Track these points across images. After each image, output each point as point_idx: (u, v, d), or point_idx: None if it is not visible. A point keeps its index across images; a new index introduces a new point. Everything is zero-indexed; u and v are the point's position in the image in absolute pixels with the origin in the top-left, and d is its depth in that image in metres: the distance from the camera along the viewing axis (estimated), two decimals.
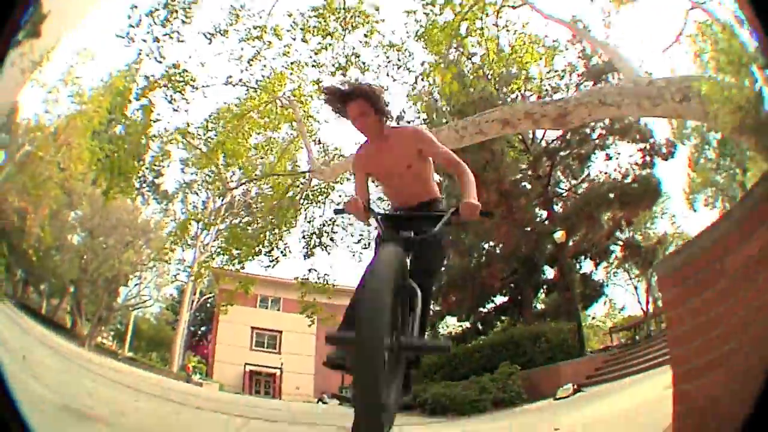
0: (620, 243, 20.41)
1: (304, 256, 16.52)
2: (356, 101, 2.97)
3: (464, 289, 19.03)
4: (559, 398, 11.30)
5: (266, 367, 27.97)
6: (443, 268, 12.84)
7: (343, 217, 15.96)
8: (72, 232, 22.07)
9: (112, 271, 21.86)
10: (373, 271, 2.07)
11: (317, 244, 16.55)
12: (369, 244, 17.17)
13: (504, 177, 17.43)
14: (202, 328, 37.81)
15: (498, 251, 19.84)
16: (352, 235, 18.39)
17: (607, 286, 22.71)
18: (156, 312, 38.26)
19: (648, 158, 18.53)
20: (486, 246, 20.31)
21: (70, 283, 22.23)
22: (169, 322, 34.78)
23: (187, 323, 29.69)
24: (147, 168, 30.75)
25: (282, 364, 27.31)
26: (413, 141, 3.07)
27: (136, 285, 25.02)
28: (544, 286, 21.15)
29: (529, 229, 18.82)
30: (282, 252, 16.50)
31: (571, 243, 18.60)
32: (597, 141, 19.46)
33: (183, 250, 27.15)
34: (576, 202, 19.31)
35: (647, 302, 26.01)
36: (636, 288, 26.96)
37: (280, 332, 29.05)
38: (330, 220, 16.99)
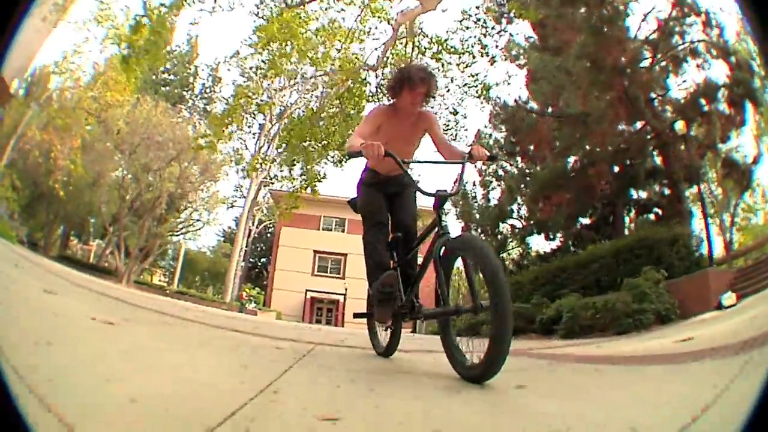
0: (720, 157, 17.03)
1: None
2: (429, 83, 3.26)
3: (566, 191, 16.02)
4: (728, 307, 8.38)
5: (329, 293, 26.02)
6: None
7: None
8: (109, 163, 19.66)
9: (155, 192, 19.61)
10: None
11: None
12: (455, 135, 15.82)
13: (624, 38, 13.84)
14: (262, 260, 36.37)
15: (601, 150, 16.42)
16: None
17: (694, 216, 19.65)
18: (213, 245, 37.18)
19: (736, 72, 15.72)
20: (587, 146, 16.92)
21: (112, 220, 20.38)
22: (227, 254, 33.31)
23: (243, 253, 27.84)
24: (197, 96, 29.12)
25: (346, 290, 25.01)
26: (429, 121, 3.48)
27: (185, 209, 22.58)
28: (636, 206, 17.92)
29: (640, 124, 15.58)
30: None
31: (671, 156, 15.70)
32: (691, 45, 16.25)
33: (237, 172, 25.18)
34: (689, 95, 16.11)
35: (729, 239, 22.40)
36: (722, 220, 23.38)
37: (345, 255, 26.66)
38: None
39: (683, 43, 16.32)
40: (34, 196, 18.68)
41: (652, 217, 17.37)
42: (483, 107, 17.15)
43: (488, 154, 3.18)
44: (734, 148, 18.63)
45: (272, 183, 26.62)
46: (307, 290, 26.28)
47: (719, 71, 16.52)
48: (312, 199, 16.47)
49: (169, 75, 27.61)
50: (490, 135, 17.78)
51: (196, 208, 22.46)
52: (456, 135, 16.23)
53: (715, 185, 20.89)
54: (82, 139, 18.03)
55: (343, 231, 27.85)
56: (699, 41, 16.42)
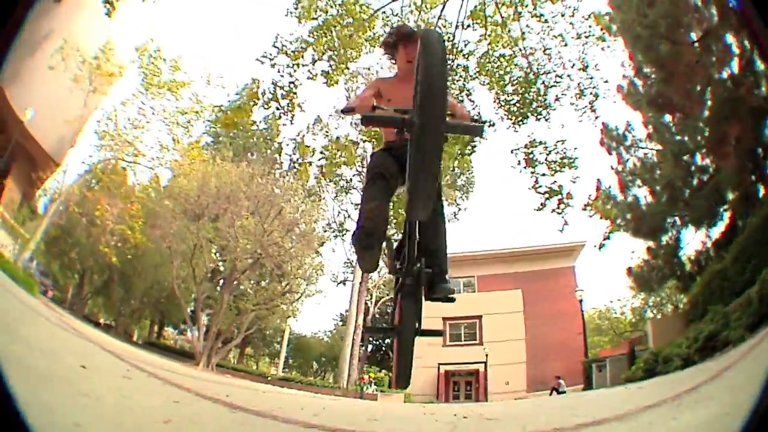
0: None
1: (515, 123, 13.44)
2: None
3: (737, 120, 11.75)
4: None
5: (465, 363, 22.62)
6: None
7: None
8: (174, 229, 17.12)
9: (230, 258, 16.83)
10: None
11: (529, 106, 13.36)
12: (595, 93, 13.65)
13: None
14: (386, 341, 32.69)
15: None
16: (569, 87, 13.45)
17: None
18: (330, 329, 34.56)
19: None
20: None
21: (189, 302, 18.07)
22: (344, 337, 30.19)
23: (359, 332, 24.26)
24: (287, 172, 27.69)
25: (487, 356, 21.74)
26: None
27: (278, 280, 19.30)
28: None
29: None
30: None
31: None
32: None
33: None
34: None
35: None
36: None
37: (480, 318, 23.73)
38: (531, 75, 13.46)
39: None
40: (109, 278, 17.30)
41: None
42: (612, 51, 13.25)
43: (469, 117, 2.95)
44: None
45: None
46: (439, 364, 22.59)
47: None
48: None
49: (252, 155, 26.26)
50: (633, 84, 13.69)
51: (294, 277, 19.04)
52: (596, 93, 13.67)
53: None
54: (142, 205, 16.05)
55: (473, 291, 25.00)
56: None
